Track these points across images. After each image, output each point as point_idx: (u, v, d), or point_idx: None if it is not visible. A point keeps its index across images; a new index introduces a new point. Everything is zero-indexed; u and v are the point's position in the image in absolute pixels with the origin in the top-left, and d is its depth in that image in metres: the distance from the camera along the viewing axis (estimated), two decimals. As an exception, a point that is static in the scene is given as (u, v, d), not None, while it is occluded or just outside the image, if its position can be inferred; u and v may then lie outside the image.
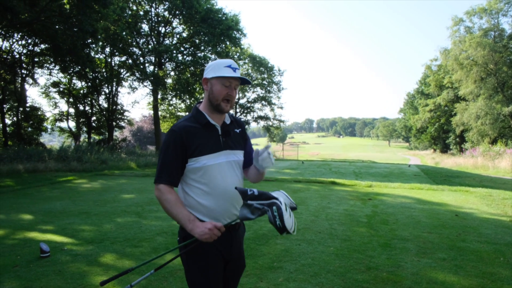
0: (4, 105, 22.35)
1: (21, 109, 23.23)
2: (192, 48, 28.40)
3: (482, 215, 7.32)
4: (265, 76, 43.43)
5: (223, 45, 28.31)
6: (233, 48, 30.10)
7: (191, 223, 1.94)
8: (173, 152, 2.04)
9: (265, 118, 44.98)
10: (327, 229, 6.09)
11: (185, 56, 28.50)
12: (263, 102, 44.26)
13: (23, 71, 22.75)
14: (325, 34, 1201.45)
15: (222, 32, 26.18)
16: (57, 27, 17.25)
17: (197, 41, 28.22)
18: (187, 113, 38.27)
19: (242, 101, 44.31)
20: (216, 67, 2.08)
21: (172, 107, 34.28)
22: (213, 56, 27.94)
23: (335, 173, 17.40)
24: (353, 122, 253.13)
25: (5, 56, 21.10)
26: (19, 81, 22.81)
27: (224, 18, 26.68)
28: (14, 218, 6.83)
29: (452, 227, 6.31)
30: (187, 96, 29.87)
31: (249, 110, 44.47)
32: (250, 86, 43.22)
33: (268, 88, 43.93)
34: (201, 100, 2.25)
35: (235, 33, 27.74)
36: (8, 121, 23.51)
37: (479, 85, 33.02)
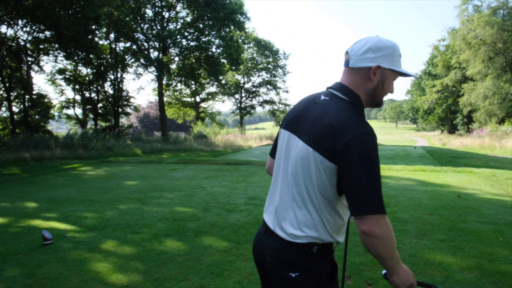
0: (11, 93, 22.43)
1: (28, 96, 23.30)
2: (196, 33, 28.11)
3: (485, 196, 7.30)
4: (270, 60, 43.06)
5: (227, 29, 28.00)
6: (237, 32, 29.77)
7: (400, 263, 1.48)
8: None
9: (271, 102, 44.80)
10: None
11: (189, 41, 28.26)
12: (268, 86, 44.03)
13: (28, 58, 22.74)
14: (328, 16, 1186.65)
15: (226, 16, 25.85)
16: (60, 13, 17.16)
17: (201, 25, 27.91)
18: (192, 99, 37.93)
19: (247, 86, 44.11)
20: (394, 56, 1.54)
21: (177, 92, 34.33)
22: (217, 41, 27.65)
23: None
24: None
25: (10, 43, 21.10)
26: (25, 69, 22.82)
27: (227, 1, 26.30)
28: (19, 206, 6.94)
29: (453, 208, 6.30)
30: (192, 82, 29.80)
31: (254, 94, 44.31)
32: (255, 70, 43.02)
33: (273, 72, 43.61)
34: (348, 86, 1.57)
35: (239, 16, 27.35)
36: (15, 109, 23.64)
37: (487, 65, 32.51)
